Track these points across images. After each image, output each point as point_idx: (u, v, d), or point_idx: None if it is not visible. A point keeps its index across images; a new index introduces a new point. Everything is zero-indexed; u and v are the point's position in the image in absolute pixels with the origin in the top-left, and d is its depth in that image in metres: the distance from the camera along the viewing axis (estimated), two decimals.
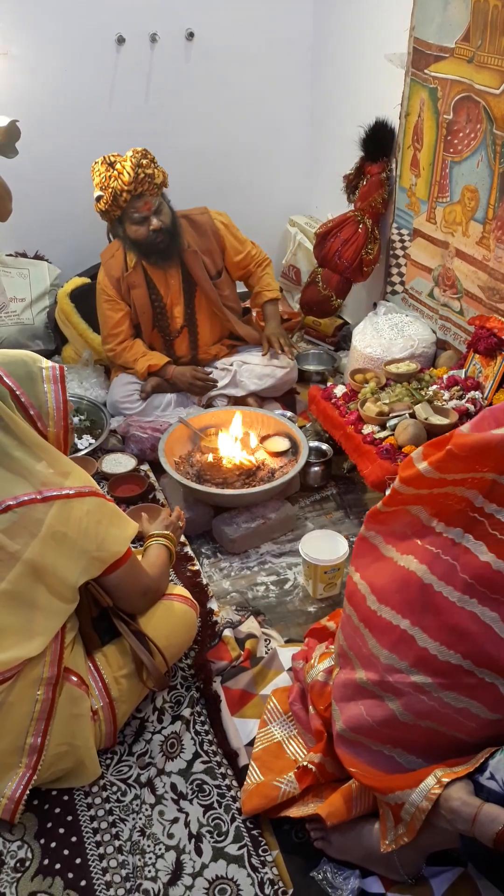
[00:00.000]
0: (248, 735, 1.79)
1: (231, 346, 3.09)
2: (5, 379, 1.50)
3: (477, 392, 2.45)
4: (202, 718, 1.84)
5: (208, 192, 3.15)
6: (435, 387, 2.51)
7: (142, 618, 1.77)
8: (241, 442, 2.62)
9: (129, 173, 2.60)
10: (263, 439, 2.70)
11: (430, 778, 1.33)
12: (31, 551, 1.49)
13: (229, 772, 1.73)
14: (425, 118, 2.68)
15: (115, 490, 2.56)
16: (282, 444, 2.66)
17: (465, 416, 2.37)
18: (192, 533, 2.45)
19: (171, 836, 1.61)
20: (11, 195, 2.57)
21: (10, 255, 3.30)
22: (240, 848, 1.58)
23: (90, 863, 1.57)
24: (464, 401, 2.43)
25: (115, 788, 1.70)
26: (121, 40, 3.11)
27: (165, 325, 2.95)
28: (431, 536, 1.37)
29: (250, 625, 2.08)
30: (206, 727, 1.82)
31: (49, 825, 1.63)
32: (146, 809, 1.65)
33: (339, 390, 2.64)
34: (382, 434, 2.37)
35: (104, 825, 1.63)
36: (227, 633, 2.04)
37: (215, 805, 1.66)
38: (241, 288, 3.17)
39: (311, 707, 1.72)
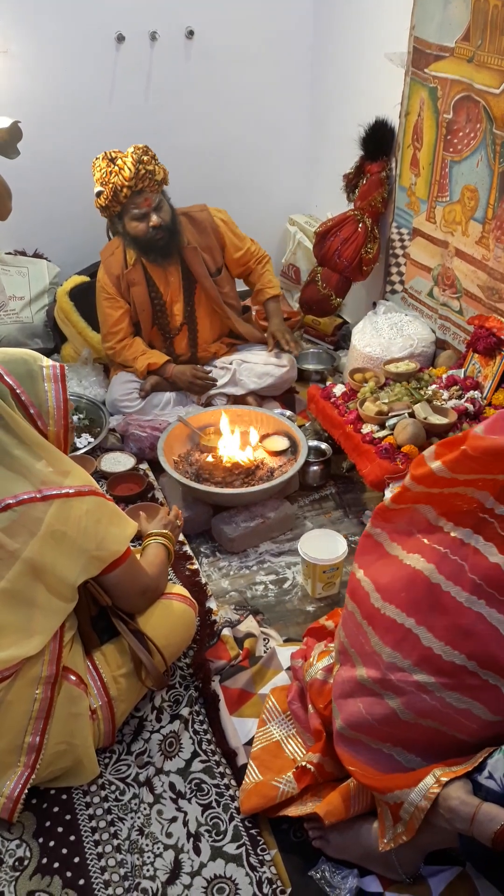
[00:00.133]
0: (246, 734, 1.79)
1: (231, 344, 3.09)
2: (5, 377, 1.50)
3: (476, 391, 2.45)
4: (201, 718, 1.84)
5: (208, 190, 3.14)
6: (434, 386, 2.51)
7: (140, 617, 1.78)
8: (241, 440, 2.62)
9: (129, 169, 2.60)
10: (262, 438, 2.70)
11: (428, 777, 1.33)
12: (31, 550, 1.49)
13: (228, 771, 1.73)
14: (425, 117, 2.68)
15: (114, 489, 2.56)
16: (281, 443, 2.67)
17: (463, 415, 2.37)
18: (191, 532, 2.45)
19: (169, 835, 1.61)
20: (11, 194, 2.57)
21: (10, 253, 3.30)
22: (238, 847, 1.58)
23: (89, 862, 1.57)
24: (463, 400, 2.43)
25: (113, 787, 1.70)
26: (120, 39, 3.10)
27: (165, 323, 2.94)
28: (439, 535, 1.37)
29: (249, 624, 2.08)
30: (204, 726, 1.82)
31: (47, 824, 1.63)
32: (145, 808, 1.65)
33: (339, 389, 2.64)
34: (381, 433, 2.37)
35: (103, 824, 1.63)
36: (226, 632, 2.04)
37: (214, 804, 1.66)
38: (240, 287, 3.17)
39: (310, 706, 1.72)
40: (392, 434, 2.34)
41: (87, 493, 1.55)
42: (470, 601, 1.30)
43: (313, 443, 2.71)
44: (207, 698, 1.87)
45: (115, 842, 1.60)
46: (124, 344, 2.92)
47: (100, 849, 1.59)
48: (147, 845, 1.59)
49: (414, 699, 1.37)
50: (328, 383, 2.74)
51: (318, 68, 3.45)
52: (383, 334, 2.84)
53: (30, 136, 2.52)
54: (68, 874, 1.55)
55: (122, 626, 1.72)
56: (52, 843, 1.60)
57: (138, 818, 1.64)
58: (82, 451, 2.70)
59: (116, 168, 2.62)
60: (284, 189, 3.73)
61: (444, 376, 2.56)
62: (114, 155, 2.65)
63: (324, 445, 2.70)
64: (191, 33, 3.20)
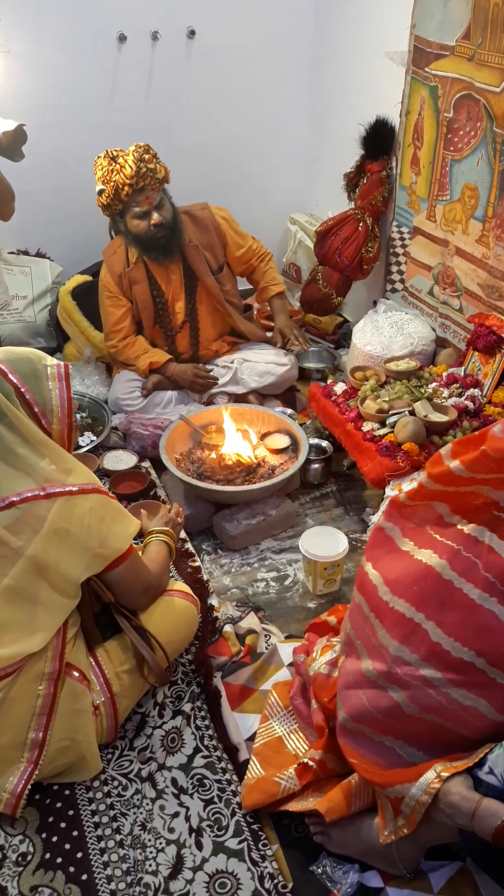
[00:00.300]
0: (248, 730, 1.80)
1: (232, 342, 3.10)
2: (10, 376, 1.51)
3: (476, 389, 2.46)
4: (203, 713, 1.85)
5: (209, 190, 3.15)
6: (434, 384, 2.51)
7: (143, 613, 1.78)
8: (242, 437, 2.63)
9: (131, 167, 2.61)
10: (264, 436, 2.70)
11: (429, 772, 1.34)
12: (34, 547, 1.50)
13: (229, 766, 1.74)
14: (425, 116, 2.68)
15: (117, 487, 2.56)
16: (282, 441, 2.67)
17: (464, 413, 2.38)
18: (192, 529, 2.46)
19: (171, 830, 1.62)
20: (14, 195, 2.58)
21: (13, 252, 3.30)
22: (240, 842, 1.59)
23: (91, 857, 1.58)
24: (463, 398, 2.44)
25: (116, 783, 1.71)
26: (122, 38, 3.11)
27: (167, 321, 2.95)
28: (452, 532, 1.38)
29: (250, 621, 2.09)
30: (206, 722, 1.83)
31: (50, 819, 1.64)
32: (147, 804, 1.66)
33: (340, 388, 2.65)
34: (382, 431, 2.37)
35: (105, 819, 1.64)
36: (228, 628, 2.05)
37: (216, 799, 1.67)
38: (240, 286, 3.18)
39: (312, 701, 1.72)
40: (392, 432, 2.35)
41: (90, 490, 1.56)
42: (482, 598, 1.31)
43: (314, 441, 2.71)
44: (209, 694, 1.88)
45: (118, 837, 1.61)
46: (126, 342, 2.93)
47: (102, 844, 1.60)
48: (149, 840, 1.60)
49: (419, 694, 1.38)
50: (329, 381, 2.75)
51: (318, 67, 3.45)
52: (384, 333, 2.85)
53: (32, 136, 2.52)
54: (71, 869, 1.56)
55: (125, 623, 1.73)
56: (55, 839, 1.61)
57: (141, 813, 1.65)
58: (85, 449, 2.71)
59: (118, 166, 2.63)
60: (285, 188, 3.74)
61: (445, 374, 2.56)
62: (115, 153, 2.66)
63: (324, 443, 2.71)
64: (192, 33, 3.21)
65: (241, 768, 1.72)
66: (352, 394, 2.60)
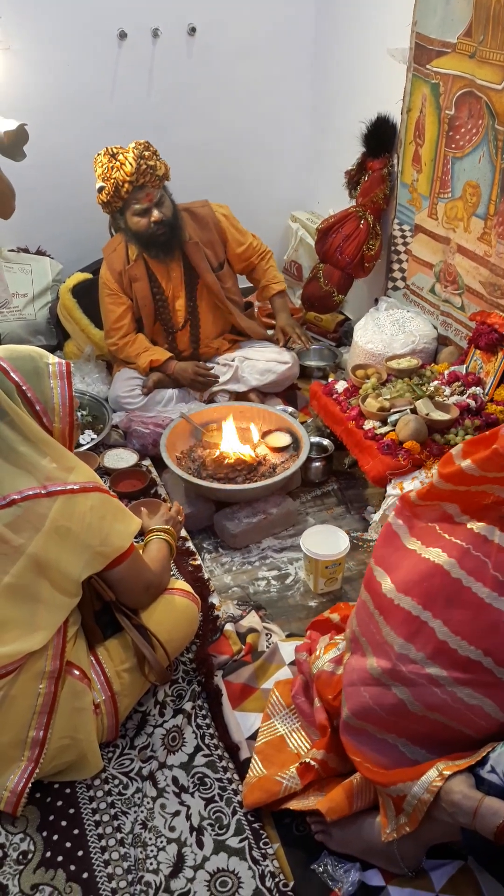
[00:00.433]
0: (249, 729, 1.79)
1: (233, 340, 3.10)
2: (12, 374, 1.50)
3: (478, 388, 2.46)
4: (203, 712, 1.85)
5: (210, 187, 3.14)
6: (436, 382, 2.51)
7: (144, 612, 1.78)
8: (242, 436, 2.62)
9: (131, 164, 2.60)
10: (265, 435, 2.70)
11: (431, 771, 1.34)
12: (35, 545, 1.49)
13: (230, 765, 1.73)
14: (427, 114, 2.67)
15: (117, 485, 2.56)
16: (283, 439, 2.67)
17: (465, 411, 2.37)
18: (193, 528, 2.46)
19: (172, 828, 1.62)
20: (15, 193, 2.58)
21: (13, 250, 3.30)
22: (241, 841, 1.59)
23: (92, 855, 1.57)
24: (465, 396, 2.43)
25: (116, 781, 1.71)
26: (123, 35, 3.10)
27: (167, 319, 2.95)
28: (461, 531, 1.39)
29: (251, 619, 2.09)
30: (207, 721, 1.83)
31: (51, 818, 1.64)
32: (148, 802, 1.66)
33: (341, 386, 2.65)
34: (383, 429, 2.37)
35: (106, 818, 1.64)
36: (229, 627, 2.05)
37: (216, 798, 1.67)
38: (241, 284, 3.17)
39: (315, 699, 1.72)
40: (394, 430, 2.34)
41: (91, 489, 1.55)
42: (491, 597, 1.31)
43: (315, 439, 2.71)
44: (210, 693, 1.88)
45: (119, 835, 1.61)
46: (127, 340, 2.93)
47: (103, 842, 1.60)
48: (150, 839, 1.60)
49: (424, 692, 1.38)
50: (330, 380, 2.75)
51: (319, 65, 3.45)
52: (385, 331, 2.85)
53: (32, 133, 2.52)
54: (72, 867, 1.55)
55: (126, 622, 1.73)
56: (55, 837, 1.61)
57: (141, 812, 1.65)
58: (85, 447, 2.71)
59: (118, 164, 2.62)
60: (286, 186, 3.73)
61: (446, 372, 2.56)
62: (115, 150, 2.66)
63: (326, 442, 2.71)
64: (193, 30, 3.20)
65: (241, 767, 1.72)
66: (353, 392, 2.59)
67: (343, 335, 3.47)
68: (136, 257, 2.85)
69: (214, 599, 2.16)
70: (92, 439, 2.77)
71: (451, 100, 2.53)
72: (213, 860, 1.56)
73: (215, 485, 2.42)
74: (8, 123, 2.43)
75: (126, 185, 2.64)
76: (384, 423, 2.40)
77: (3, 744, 1.57)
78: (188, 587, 1.92)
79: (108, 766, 1.73)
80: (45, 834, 1.61)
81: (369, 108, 2.93)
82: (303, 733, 1.75)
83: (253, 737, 1.77)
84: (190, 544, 2.36)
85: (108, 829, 1.62)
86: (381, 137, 2.93)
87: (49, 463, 1.52)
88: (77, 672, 1.64)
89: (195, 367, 2.92)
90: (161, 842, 1.60)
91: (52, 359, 1.57)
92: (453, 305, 2.77)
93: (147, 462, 2.72)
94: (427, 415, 2.33)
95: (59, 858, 1.57)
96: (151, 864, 1.56)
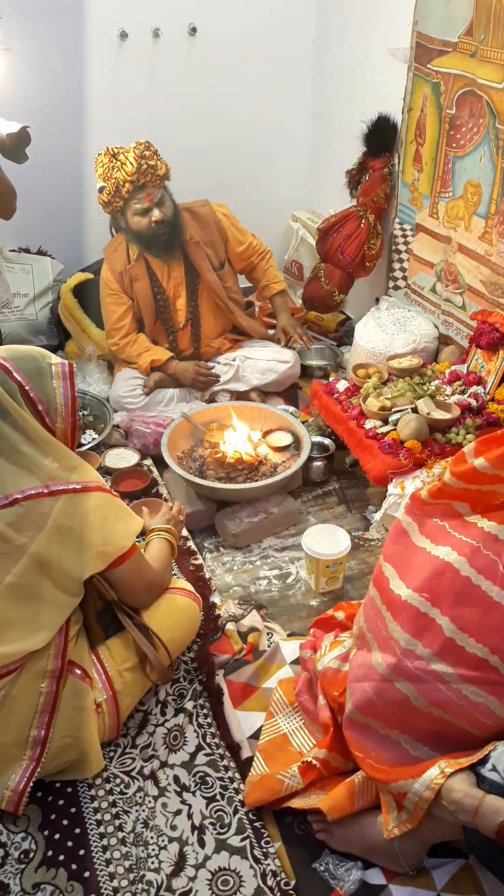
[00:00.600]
0: (250, 728, 1.79)
1: (234, 340, 3.10)
2: (15, 374, 1.50)
3: (479, 387, 2.45)
4: (205, 711, 1.85)
5: (211, 187, 3.14)
6: (437, 382, 2.51)
7: (145, 611, 1.78)
8: (242, 436, 2.62)
9: (131, 164, 2.61)
10: (266, 434, 2.70)
11: (433, 768, 1.34)
12: (37, 544, 1.49)
13: (232, 764, 1.73)
14: (428, 113, 2.67)
15: (119, 485, 2.56)
16: (284, 438, 2.67)
17: (466, 410, 2.37)
18: (194, 527, 2.46)
19: (174, 827, 1.62)
20: (16, 193, 2.58)
21: (14, 250, 3.30)
22: (242, 839, 1.59)
23: (94, 854, 1.58)
24: (466, 396, 2.43)
25: (118, 780, 1.71)
26: (123, 35, 3.10)
27: (168, 318, 2.95)
28: (472, 529, 1.39)
29: (253, 618, 2.09)
30: (208, 720, 1.83)
31: (53, 817, 1.64)
32: (149, 801, 1.66)
33: (342, 385, 2.64)
34: (385, 429, 2.37)
35: (107, 817, 1.64)
36: (230, 626, 2.05)
37: (218, 797, 1.67)
38: (242, 284, 3.17)
39: (319, 697, 1.71)
40: (395, 429, 2.34)
41: (93, 488, 1.56)
42: (500, 596, 1.32)
43: (316, 438, 2.71)
44: (211, 692, 1.88)
45: (120, 834, 1.61)
46: (128, 340, 2.93)
47: (105, 841, 1.60)
48: (152, 838, 1.60)
49: (429, 688, 1.38)
50: (331, 379, 2.75)
51: (320, 64, 3.45)
52: (386, 330, 2.85)
53: (33, 134, 2.51)
54: (73, 866, 1.56)
55: (127, 621, 1.73)
56: (57, 836, 1.61)
57: (143, 811, 1.65)
58: (86, 447, 2.71)
59: (118, 163, 2.63)
60: (287, 185, 3.73)
61: (447, 372, 2.56)
62: (116, 150, 2.66)
63: (327, 441, 2.71)
64: (193, 30, 3.20)
65: (243, 766, 1.72)
66: (354, 391, 2.59)
67: (344, 334, 3.47)
68: (136, 257, 2.85)
69: (216, 599, 2.16)
70: (93, 439, 2.77)
71: (451, 99, 2.53)
72: (215, 859, 1.56)
73: (216, 484, 2.43)
74: (10, 126, 2.43)
75: (127, 185, 2.64)
76: (385, 422, 2.40)
77: (4, 743, 1.58)
78: (189, 586, 1.93)
79: (109, 765, 1.73)
80: (46, 833, 1.62)
81: (370, 108, 2.93)
82: (306, 731, 1.75)
83: (254, 736, 1.77)
84: (191, 544, 2.36)
85: (110, 828, 1.62)
86: (381, 137, 2.93)
87: (51, 463, 1.52)
88: (79, 671, 1.64)
89: (196, 367, 2.92)
90: (162, 841, 1.60)
91: (55, 359, 1.58)
92: (454, 305, 2.77)
93: (148, 462, 2.72)
94: (428, 414, 2.33)
95: (61, 857, 1.57)
96: (153, 862, 1.56)
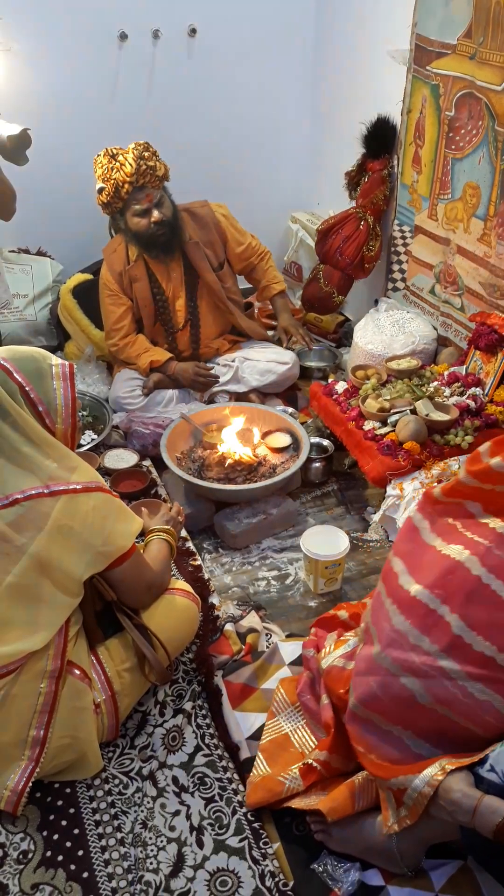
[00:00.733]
0: (248, 729, 1.80)
1: (233, 341, 3.10)
2: (15, 375, 1.50)
3: (478, 388, 2.46)
4: (203, 712, 1.85)
5: (210, 188, 3.15)
6: (436, 383, 2.51)
7: (144, 612, 1.78)
8: (242, 437, 2.63)
9: (130, 165, 2.61)
10: (265, 435, 2.70)
11: (433, 766, 1.34)
12: (37, 545, 1.50)
13: (230, 765, 1.73)
14: (427, 115, 2.68)
15: (118, 486, 2.56)
16: (283, 440, 2.67)
17: (465, 412, 2.37)
18: (193, 528, 2.46)
19: (172, 828, 1.62)
20: (16, 195, 2.58)
21: (13, 251, 3.30)
22: (241, 840, 1.59)
23: (92, 855, 1.58)
24: (464, 397, 2.44)
25: (117, 781, 1.71)
26: (123, 36, 3.11)
27: (168, 319, 2.95)
28: (484, 529, 1.40)
29: (251, 619, 2.09)
30: (207, 721, 1.83)
31: (51, 817, 1.64)
32: (148, 802, 1.66)
33: (341, 386, 2.65)
34: (383, 430, 2.37)
35: (106, 818, 1.64)
36: (229, 627, 2.05)
37: (216, 798, 1.67)
38: (241, 285, 3.17)
39: (322, 697, 1.71)
40: (394, 431, 2.35)
41: (94, 489, 1.56)
42: None
43: (315, 440, 2.71)
44: (210, 693, 1.88)
45: (119, 835, 1.61)
46: (127, 341, 2.93)
47: (103, 842, 1.60)
48: (150, 838, 1.60)
49: (435, 684, 1.38)
50: (330, 380, 2.75)
51: (320, 66, 3.45)
52: (385, 331, 2.85)
53: (33, 134, 2.52)
54: (72, 867, 1.56)
55: (127, 621, 1.73)
56: (56, 837, 1.61)
57: (142, 811, 1.65)
58: (86, 447, 2.71)
59: (118, 164, 2.63)
60: (286, 186, 3.74)
61: (446, 373, 2.56)
62: (115, 151, 2.66)
63: (326, 442, 2.71)
64: (193, 31, 3.21)
65: (241, 767, 1.72)
66: (353, 392, 2.60)
67: (343, 336, 3.48)
68: (136, 258, 2.85)
69: (214, 599, 2.16)
70: (92, 440, 2.77)
71: (451, 101, 2.53)
72: (213, 860, 1.56)
73: (215, 485, 2.43)
74: (11, 128, 2.43)
75: (126, 186, 2.64)
76: (384, 423, 2.40)
77: (3, 743, 1.58)
78: (188, 587, 1.93)
79: (108, 765, 1.73)
80: (45, 833, 1.61)
81: (369, 110, 2.93)
82: (307, 731, 1.75)
83: (253, 736, 1.77)
84: (190, 544, 2.37)
85: (109, 829, 1.62)
86: (381, 138, 2.93)
87: (52, 463, 1.53)
88: (78, 671, 1.64)
89: (195, 368, 2.92)
90: (161, 841, 1.60)
91: (55, 360, 1.58)
92: (453, 306, 2.77)
93: (147, 462, 2.72)
94: (427, 415, 2.33)
95: (60, 858, 1.57)
96: (151, 863, 1.56)
